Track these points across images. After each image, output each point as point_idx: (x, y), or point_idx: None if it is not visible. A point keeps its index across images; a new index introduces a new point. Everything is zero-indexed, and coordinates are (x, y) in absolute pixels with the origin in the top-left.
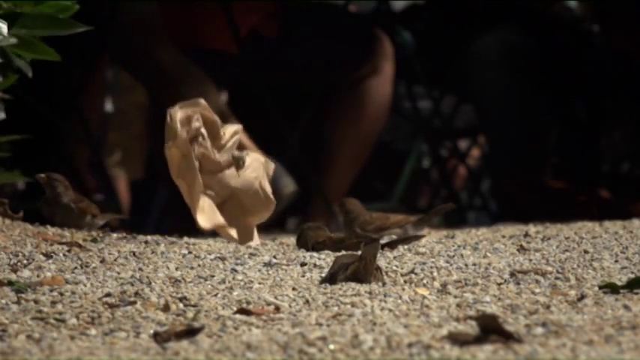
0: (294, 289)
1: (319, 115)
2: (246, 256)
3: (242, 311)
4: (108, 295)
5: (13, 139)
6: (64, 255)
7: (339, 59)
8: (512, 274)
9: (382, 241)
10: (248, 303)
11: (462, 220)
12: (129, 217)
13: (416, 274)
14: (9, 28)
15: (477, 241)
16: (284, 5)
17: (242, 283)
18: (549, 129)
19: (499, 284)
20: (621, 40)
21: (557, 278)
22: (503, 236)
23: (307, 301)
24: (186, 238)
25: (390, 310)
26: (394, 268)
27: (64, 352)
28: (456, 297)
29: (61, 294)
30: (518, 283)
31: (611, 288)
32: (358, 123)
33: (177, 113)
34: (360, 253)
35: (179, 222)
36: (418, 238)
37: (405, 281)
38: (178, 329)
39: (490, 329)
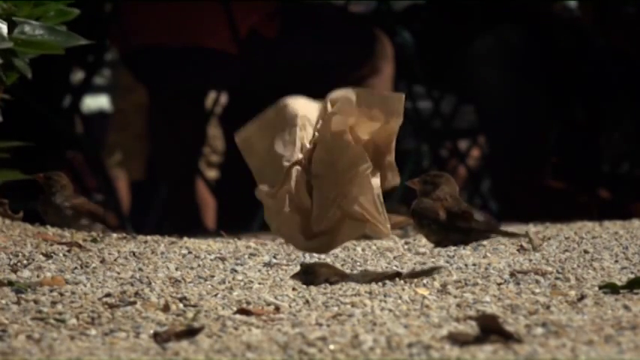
0: (294, 289)
1: None
2: (246, 256)
3: (242, 311)
4: (108, 295)
5: (15, 145)
6: (64, 255)
7: (339, 59)
8: (512, 274)
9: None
10: (248, 303)
11: None
12: (129, 217)
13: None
14: (8, 34)
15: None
16: (284, 5)
17: (242, 283)
18: (549, 129)
19: (499, 284)
20: (621, 40)
21: (557, 278)
22: None
23: (307, 301)
24: (186, 238)
25: (390, 310)
26: (394, 268)
27: (64, 352)
28: (456, 297)
29: (61, 294)
30: (518, 283)
31: (611, 288)
32: None
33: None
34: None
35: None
36: (437, 269)
37: (405, 281)
38: (178, 329)
39: (490, 329)
